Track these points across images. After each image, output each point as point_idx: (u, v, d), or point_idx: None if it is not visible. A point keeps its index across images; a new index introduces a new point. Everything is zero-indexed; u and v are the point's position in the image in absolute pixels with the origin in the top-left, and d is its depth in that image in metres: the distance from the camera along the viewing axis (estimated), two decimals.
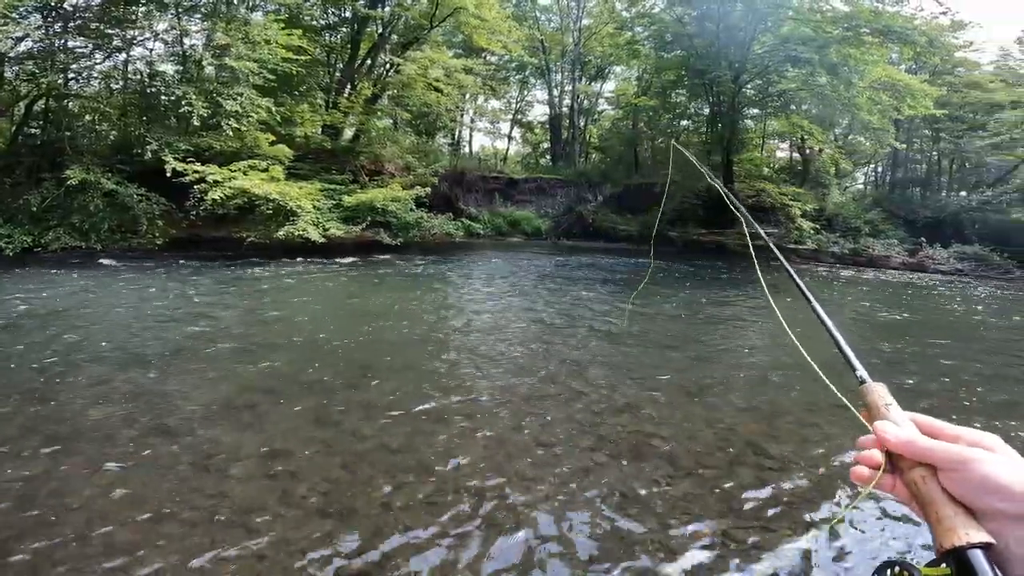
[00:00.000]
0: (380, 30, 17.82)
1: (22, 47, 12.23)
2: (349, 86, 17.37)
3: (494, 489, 3.17)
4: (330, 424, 3.89)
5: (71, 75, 13.32)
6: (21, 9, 11.43)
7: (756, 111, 20.95)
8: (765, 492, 3.24)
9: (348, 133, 18.02)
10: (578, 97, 29.81)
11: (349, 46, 18.05)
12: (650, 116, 23.86)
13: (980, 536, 0.44)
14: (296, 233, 11.76)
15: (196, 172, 11.70)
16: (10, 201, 11.44)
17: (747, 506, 3.08)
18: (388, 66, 17.64)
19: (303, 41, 14.34)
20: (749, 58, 17.25)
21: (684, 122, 24.17)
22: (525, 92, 32.88)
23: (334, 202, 13.56)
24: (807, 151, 22.60)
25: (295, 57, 13.94)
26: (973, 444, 0.51)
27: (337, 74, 18.54)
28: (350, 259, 12.15)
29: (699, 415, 4.43)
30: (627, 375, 5.25)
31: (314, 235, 11.96)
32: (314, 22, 18.01)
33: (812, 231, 17.13)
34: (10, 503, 2.84)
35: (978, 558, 0.43)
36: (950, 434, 0.54)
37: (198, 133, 12.96)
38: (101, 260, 10.75)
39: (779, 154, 26.45)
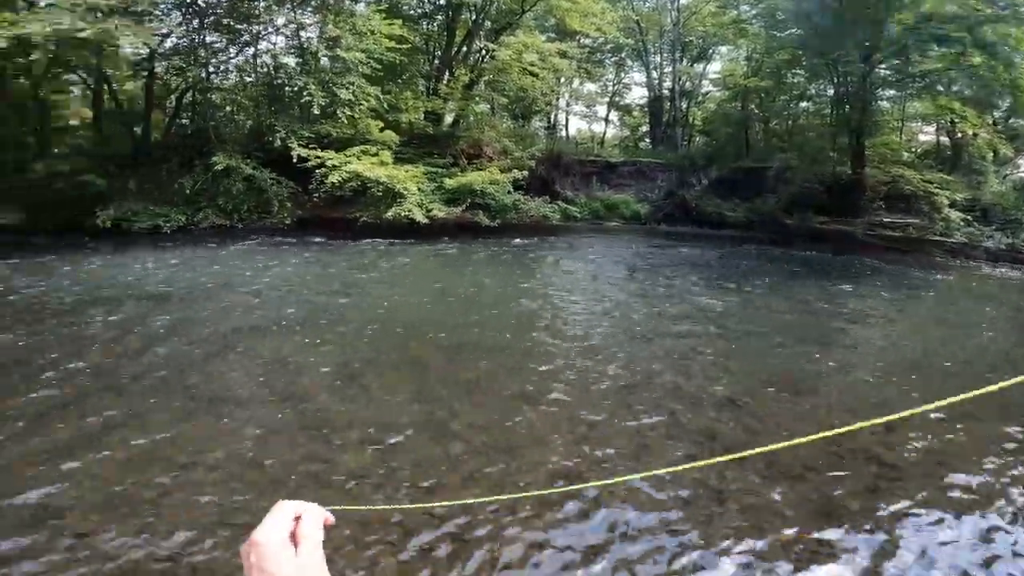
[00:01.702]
0: (473, 17, 18.09)
1: (168, 43, 13.93)
2: (447, 73, 17.88)
3: (578, 474, 3.21)
4: (427, 400, 4.14)
5: (211, 69, 14.96)
6: (162, 6, 12.95)
7: (892, 92, 18.51)
8: (871, 502, 2.96)
9: (448, 118, 18.50)
10: (679, 78, 28.21)
11: (445, 33, 18.55)
12: (762, 97, 22.02)
13: None
14: (403, 214, 12.49)
15: (317, 157, 12.81)
16: (167, 185, 13.33)
17: (848, 514, 2.84)
18: (483, 52, 17.90)
19: (403, 30, 14.94)
20: (883, 37, 15.23)
21: (803, 104, 22.04)
22: (622, 74, 31.78)
23: (436, 184, 14.16)
24: (958, 135, 19.51)
25: (397, 46, 14.64)
26: None
27: (436, 62, 19.13)
28: (451, 239, 12.66)
29: (807, 414, 4.13)
30: (729, 368, 5.00)
31: (419, 216, 12.63)
32: (411, 11, 18.67)
33: (962, 222, 14.83)
34: (158, 453, 3.38)
35: None
36: None
37: (318, 121, 13.95)
38: (241, 237, 12.22)
39: (922, 138, 23.14)
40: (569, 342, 5.60)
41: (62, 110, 17.03)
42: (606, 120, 32.76)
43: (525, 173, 14.76)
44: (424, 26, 19.21)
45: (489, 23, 18.51)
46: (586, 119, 33.43)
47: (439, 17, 19.15)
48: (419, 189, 13.36)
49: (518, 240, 13.00)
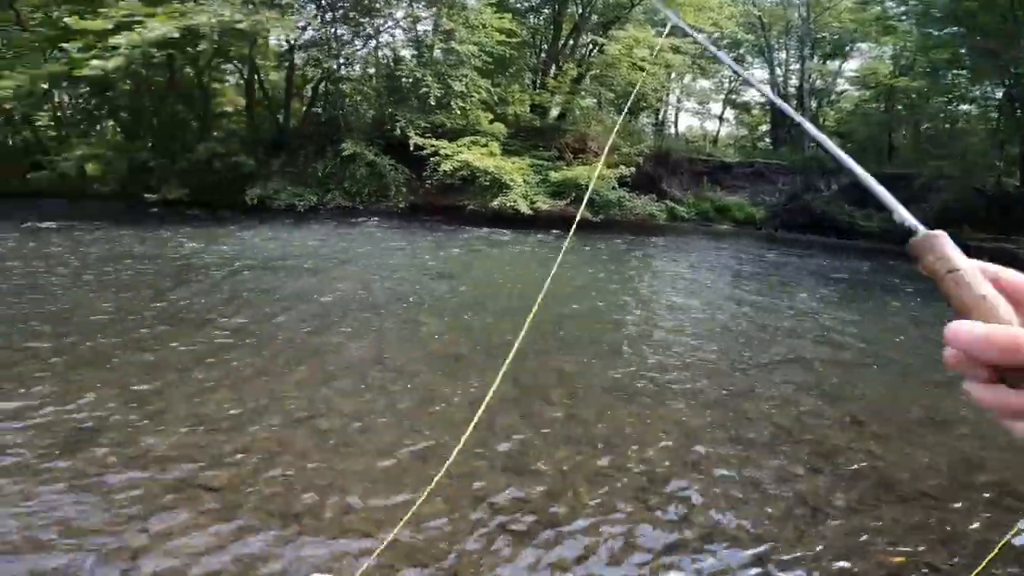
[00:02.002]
0: (580, 11, 17.81)
1: (305, 36, 15.27)
2: (554, 66, 17.85)
3: (670, 476, 3.11)
4: (524, 386, 4.21)
5: (341, 60, 16.22)
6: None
7: None
8: (999, 535, 2.55)
9: (554, 112, 18.53)
10: (809, 76, 25.80)
11: (551, 27, 18.46)
12: (912, 98, 19.51)
13: None
14: (508, 204, 12.77)
15: (432, 146, 13.47)
16: (303, 167, 14.75)
17: (969, 545, 2.48)
18: (591, 46, 17.59)
19: (512, 24, 15.14)
20: None
21: (964, 106, 19.21)
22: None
23: (541, 177, 14.28)
24: None
25: (507, 40, 14.88)
26: None
27: (542, 55, 19.14)
28: (553, 231, 12.72)
29: (937, 443, 3.66)
30: (851, 386, 4.54)
31: (523, 207, 12.84)
32: (518, 4, 18.78)
33: None
34: (275, 425, 3.76)
35: None
36: None
37: (433, 111, 14.65)
38: (361, 218, 13.23)
39: None
40: (671, 344, 5.40)
41: (220, 98, 19.46)
42: (720, 118, 30.93)
43: (632, 170, 14.38)
44: (531, 20, 19.34)
45: (596, 17, 18.19)
46: (698, 116, 31.82)
47: (545, 11, 19.16)
48: (524, 181, 13.56)
49: (619, 237, 12.73)
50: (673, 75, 22.99)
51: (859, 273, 10.67)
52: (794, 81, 25.81)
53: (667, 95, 25.26)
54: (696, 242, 13.52)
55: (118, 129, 19.05)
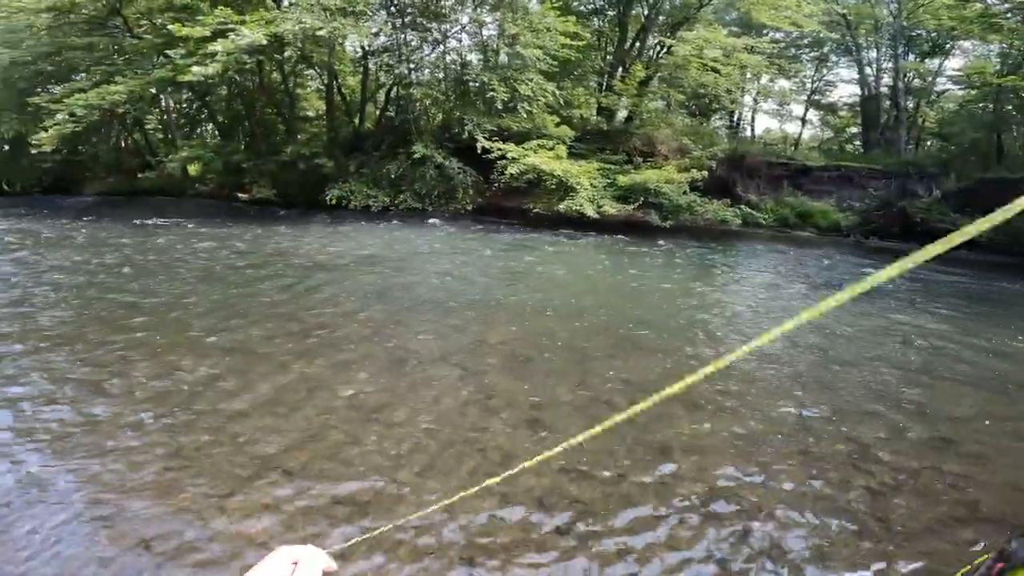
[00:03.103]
0: (645, 12, 17.33)
1: (378, 42, 15.85)
2: (620, 69, 17.51)
3: (732, 489, 2.95)
4: (587, 390, 4.13)
5: (411, 66, 16.75)
6: (372, 5, 14.71)
7: None
8: None
9: (621, 115, 18.20)
10: (904, 75, 23.73)
11: (617, 29, 18.09)
12: (1023, 98, 17.50)
13: None
14: (574, 208, 12.66)
15: (499, 149, 13.60)
16: (377, 169, 15.37)
17: None
18: (659, 48, 17.08)
19: (576, 27, 15.00)
20: None
21: None
22: (823, 70, 27.83)
23: (608, 181, 14.03)
24: None
25: (571, 43, 14.74)
26: None
27: (608, 57, 18.82)
28: (619, 236, 12.48)
29: None
30: (940, 407, 4.10)
31: (589, 211, 12.68)
32: (582, 7, 18.53)
33: None
34: (347, 411, 3.90)
35: None
36: None
37: (499, 115, 14.87)
38: (431, 219, 13.66)
39: None
40: (745, 357, 5.10)
41: (303, 103, 20.70)
42: (803, 120, 29.16)
43: (704, 173, 13.83)
44: (595, 22, 19.09)
45: (663, 18, 17.68)
46: (777, 117, 30.18)
47: (610, 13, 18.83)
48: (591, 184, 13.39)
49: (689, 243, 12.27)
50: (748, 75, 21.98)
51: (961, 284, 9.65)
52: (887, 80, 23.87)
53: (742, 96, 24.15)
54: (774, 248, 12.77)
55: (216, 132, 20.75)
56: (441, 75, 17.63)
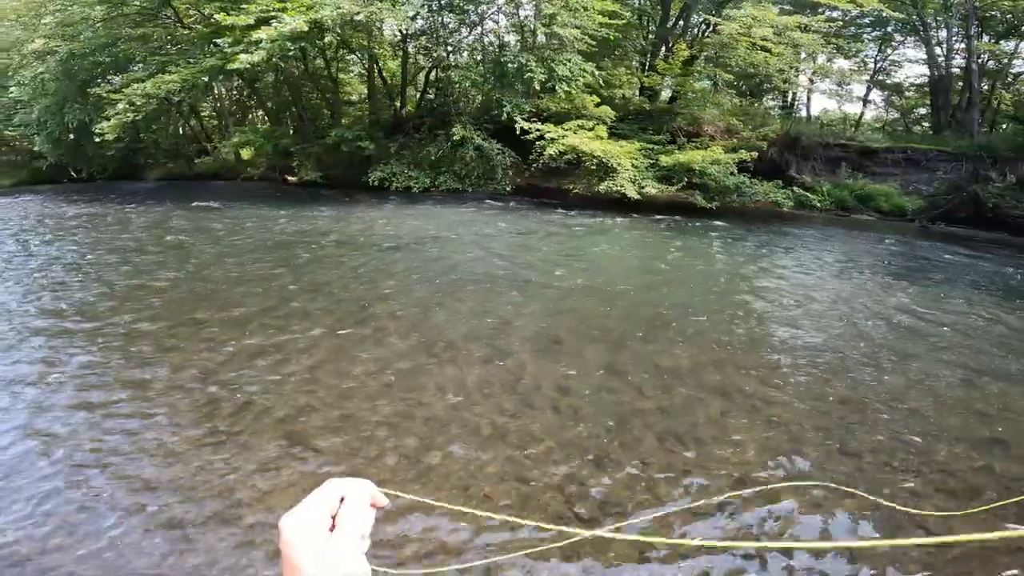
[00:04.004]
0: None
1: (416, 25, 15.75)
2: (664, 48, 16.83)
3: (767, 482, 2.78)
4: (617, 374, 4.00)
5: (449, 48, 16.65)
6: None
7: None
8: None
9: (665, 95, 17.62)
10: (978, 56, 21.83)
11: (659, 7, 17.33)
12: None
13: None
14: (615, 188, 12.34)
15: (538, 130, 13.39)
16: (417, 152, 15.50)
17: None
18: (703, 26, 16.21)
19: (616, 6, 14.54)
20: None
21: None
22: (887, 50, 25.92)
23: (651, 161, 13.58)
24: None
25: (610, 22, 14.26)
26: None
27: (650, 36, 18.13)
28: (661, 217, 12.11)
29: None
30: (1003, 409, 3.71)
31: (631, 192, 12.33)
32: None
33: None
34: (391, 389, 3.91)
35: None
36: None
37: (537, 96, 14.62)
38: (470, 200, 13.71)
39: None
40: (786, 345, 4.82)
41: (346, 87, 21.03)
42: (864, 100, 27.38)
43: (754, 154, 13.15)
44: (636, 1, 18.40)
45: None
46: (836, 98, 28.42)
47: None
48: (633, 165, 12.99)
49: (735, 226, 11.73)
50: (803, 55, 20.78)
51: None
52: (959, 60, 22.03)
53: (796, 76, 22.87)
54: (830, 232, 12.04)
55: (265, 118, 21.42)
56: (479, 57, 17.46)
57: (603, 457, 2.97)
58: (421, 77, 18.56)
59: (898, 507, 2.30)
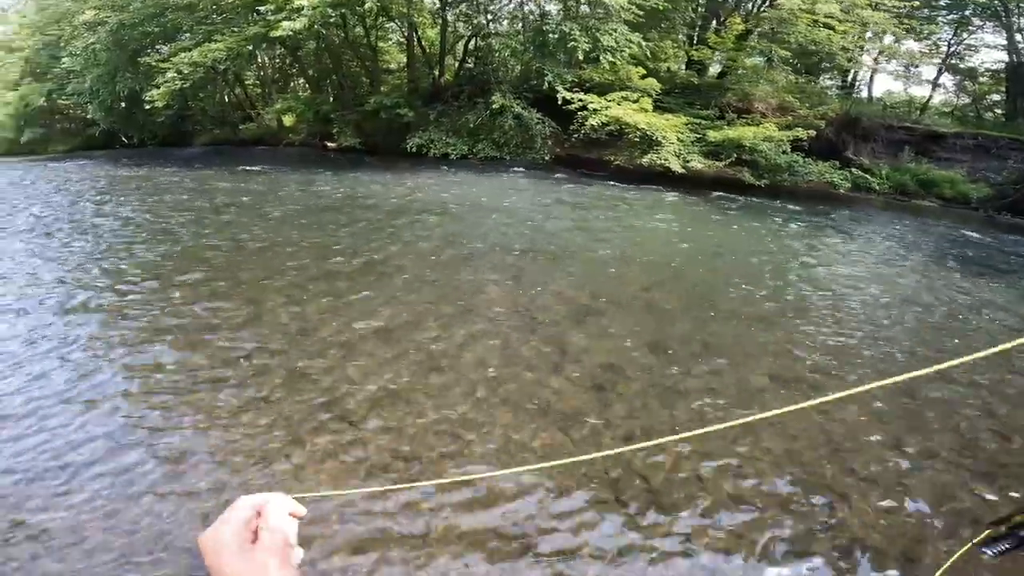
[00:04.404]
0: None
1: None
2: (715, 21, 15.94)
3: (813, 475, 2.58)
4: (662, 352, 3.82)
5: (490, 17, 16.23)
6: None
7: None
8: None
9: (714, 69, 16.91)
10: None
11: None
12: None
13: None
14: (658, 161, 11.93)
15: (580, 101, 13.00)
16: (456, 119, 15.36)
17: None
18: (760, 0, 15.24)
19: None
20: None
21: None
22: (963, 34, 24.13)
23: (697, 136, 13.04)
24: None
25: None
26: None
27: (700, 9, 17.20)
28: (705, 193, 11.63)
29: None
30: None
31: (675, 165, 11.90)
32: None
33: None
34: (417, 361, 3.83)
35: None
36: None
37: (580, 66, 14.20)
38: (508, 168, 13.57)
39: None
40: (837, 331, 4.50)
41: (385, 55, 20.90)
42: (934, 84, 25.74)
43: (812, 133, 12.44)
44: None
45: None
46: (901, 79, 26.80)
47: None
48: (679, 139, 12.50)
49: (786, 205, 11.16)
50: (869, 35, 19.47)
51: None
52: None
53: (860, 55, 21.58)
54: (887, 217, 11.32)
55: (306, 86, 21.53)
56: (520, 26, 16.98)
57: (633, 436, 2.83)
58: (460, 46, 18.24)
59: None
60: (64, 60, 18.29)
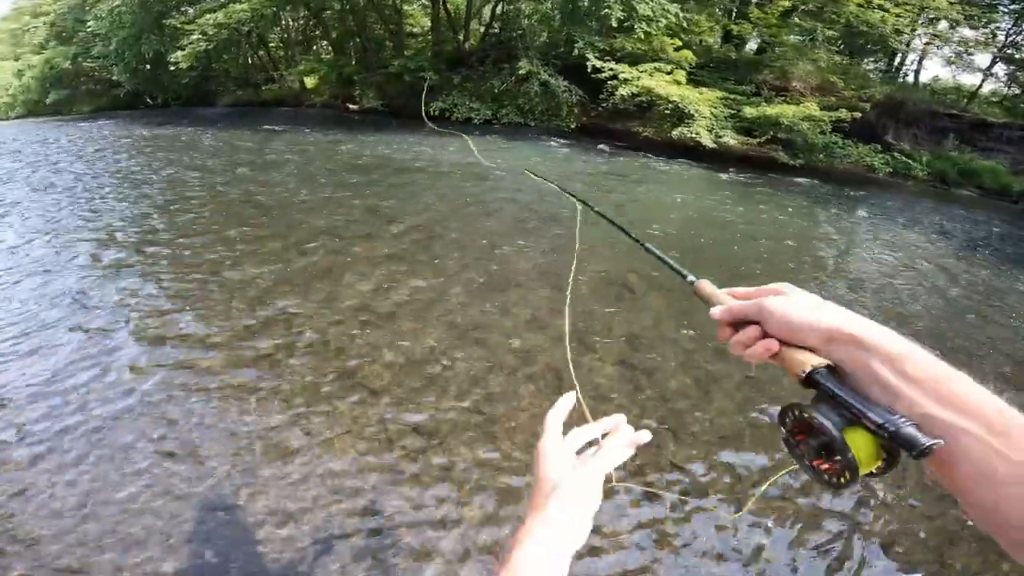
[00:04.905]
0: None
1: None
2: None
3: None
4: (691, 329, 3.65)
5: None
6: None
7: None
8: None
9: (752, 44, 16.24)
10: None
11: None
12: None
13: (818, 360, 0.51)
14: (689, 135, 11.51)
15: (611, 70, 12.53)
16: (480, 84, 15.05)
17: None
18: None
19: None
20: None
21: None
22: (1023, 23, 22.83)
23: (732, 111, 12.52)
24: None
25: None
26: (767, 294, 0.59)
27: None
28: (737, 170, 11.20)
29: None
30: None
31: (706, 139, 11.48)
32: None
33: None
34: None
35: (822, 375, 0.50)
36: (749, 292, 0.62)
37: (612, 35, 13.66)
38: (532, 135, 13.29)
39: None
40: (877, 317, 4.28)
41: (409, 19, 20.46)
42: (986, 72, 24.56)
43: (857, 115, 11.86)
44: None
45: None
46: (951, 66, 25.62)
47: None
48: (712, 113, 12.01)
49: (822, 187, 10.72)
50: (922, 20, 18.45)
51: None
52: None
53: (911, 39, 20.55)
54: (924, 204, 10.80)
55: (329, 48, 21.21)
56: None
57: (679, 427, 2.69)
58: (487, 10, 17.69)
59: None
60: (89, 23, 18.32)
